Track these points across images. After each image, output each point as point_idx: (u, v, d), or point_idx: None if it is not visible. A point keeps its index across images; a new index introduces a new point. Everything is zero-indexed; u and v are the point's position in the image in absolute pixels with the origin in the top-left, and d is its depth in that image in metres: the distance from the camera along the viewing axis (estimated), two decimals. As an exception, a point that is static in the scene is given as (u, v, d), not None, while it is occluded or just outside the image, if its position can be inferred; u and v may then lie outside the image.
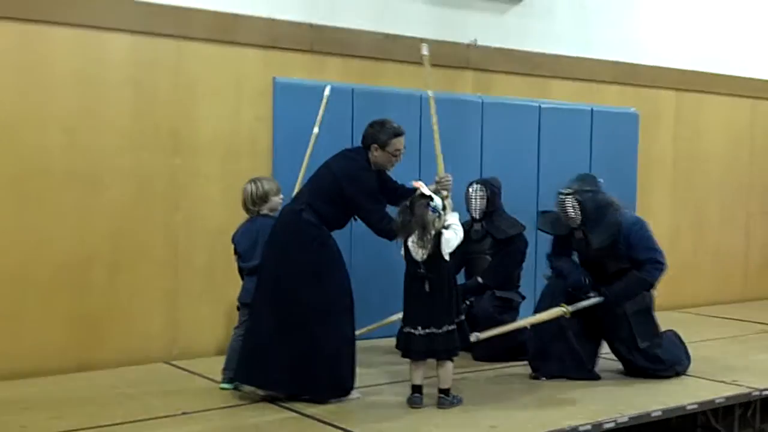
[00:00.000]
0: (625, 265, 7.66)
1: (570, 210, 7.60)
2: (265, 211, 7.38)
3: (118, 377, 7.64)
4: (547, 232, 8.08)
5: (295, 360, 6.70)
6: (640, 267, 7.63)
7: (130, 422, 6.27)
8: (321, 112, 8.16)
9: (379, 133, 7.08)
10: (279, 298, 6.80)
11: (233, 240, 7.44)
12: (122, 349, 8.12)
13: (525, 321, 8.09)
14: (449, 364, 6.74)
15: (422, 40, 8.61)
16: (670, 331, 8.13)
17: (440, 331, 6.63)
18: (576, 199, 7.58)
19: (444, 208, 6.71)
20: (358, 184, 6.99)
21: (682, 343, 8.16)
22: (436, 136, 7.32)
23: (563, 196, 7.63)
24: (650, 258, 7.63)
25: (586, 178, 7.82)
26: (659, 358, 7.74)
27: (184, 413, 6.50)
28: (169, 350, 8.39)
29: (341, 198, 6.97)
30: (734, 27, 12.68)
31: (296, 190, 7.61)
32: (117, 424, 6.22)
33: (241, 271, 7.43)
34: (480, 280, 8.69)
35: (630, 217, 7.85)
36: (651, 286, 7.73)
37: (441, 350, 6.68)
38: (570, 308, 7.67)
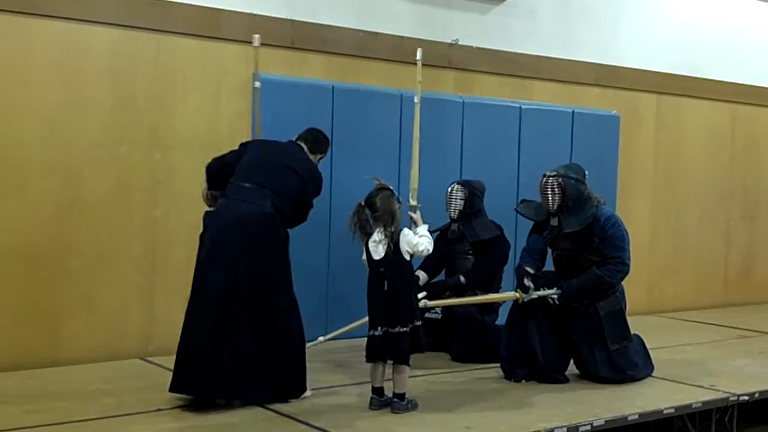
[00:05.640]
0: (597, 259, 7.63)
1: (551, 191, 7.57)
2: None
3: (93, 372, 7.61)
4: (525, 216, 8.05)
5: (272, 364, 6.65)
6: (604, 263, 7.60)
7: (105, 418, 6.25)
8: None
9: (325, 143, 7.49)
10: (254, 300, 6.65)
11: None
12: (98, 344, 8.08)
13: (476, 298, 8.32)
14: (405, 369, 6.61)
15: (403, 38, 8.61)
16: (636, 335, 8.07)
17: (393, 331, 6.50)
18: (559, 182, 7.55)
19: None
20: (318, 184, 7.22)
21: (645, 350, 8.15)
22: (416, 145, 7.31)
23: (547, 177, 7.61)
24: (617, 257, 7.59)
25: (574, 167, 7.79)
26: (619, 366, 7.69)
27: (158, 410, 6.48)
28: (145, 346, 8.34)
29: (302, 199, 7.04)
30: (715, 31, 12.70)
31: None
32: (92, 419, 6.20)
33: None
34: (462, 279, 8.68)
35: (608, 212, 7.80)
36: (609, 285, 7.64)
37: (392, 351, 6.54)
38: (525, 295, 7.65)
